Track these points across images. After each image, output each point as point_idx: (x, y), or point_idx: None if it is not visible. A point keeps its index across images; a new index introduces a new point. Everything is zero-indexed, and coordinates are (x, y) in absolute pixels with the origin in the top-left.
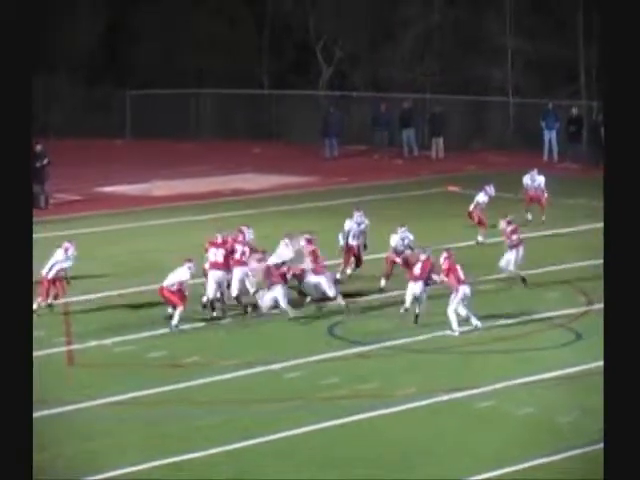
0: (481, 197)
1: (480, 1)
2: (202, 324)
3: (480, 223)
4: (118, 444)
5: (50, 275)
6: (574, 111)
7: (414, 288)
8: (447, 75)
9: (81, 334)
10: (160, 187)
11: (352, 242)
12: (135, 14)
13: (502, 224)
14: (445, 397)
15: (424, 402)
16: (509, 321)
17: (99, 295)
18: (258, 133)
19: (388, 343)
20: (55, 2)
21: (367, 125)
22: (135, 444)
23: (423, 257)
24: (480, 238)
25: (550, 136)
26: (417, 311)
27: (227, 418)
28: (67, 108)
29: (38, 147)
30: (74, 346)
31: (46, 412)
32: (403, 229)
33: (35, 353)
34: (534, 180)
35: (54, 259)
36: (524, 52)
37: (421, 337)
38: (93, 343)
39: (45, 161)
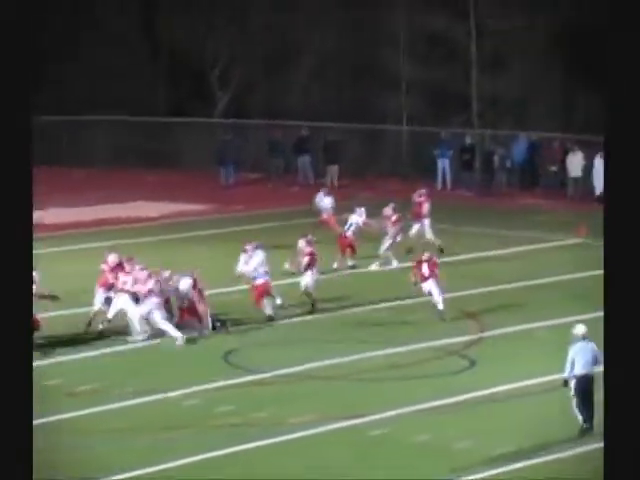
0: (354, 218)
1: (375, 29)
2: (99, 351)
3: (351, 246)
4: None
5: None
6: (467, 139)
7: (427, 287)
8: (342, 103)
9: None
10: (51, 215)
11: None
12: (38, 37)
13: (386, 210)
14: (338, 425)
15: (318, 430)
16: (402, 349)
17: None
18: (152, 161)
19: (284, 370)
20: None
21: (263, 152)
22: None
23: (426, 257)
24: (350, 262)
25: (444, 164)
26: (440, 308)
27: (120, 446)
28: None
29: None
30: None
31: None
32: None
33: None
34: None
35: None
36: (417, 81)
37: (316, 364)
38: None
39: None
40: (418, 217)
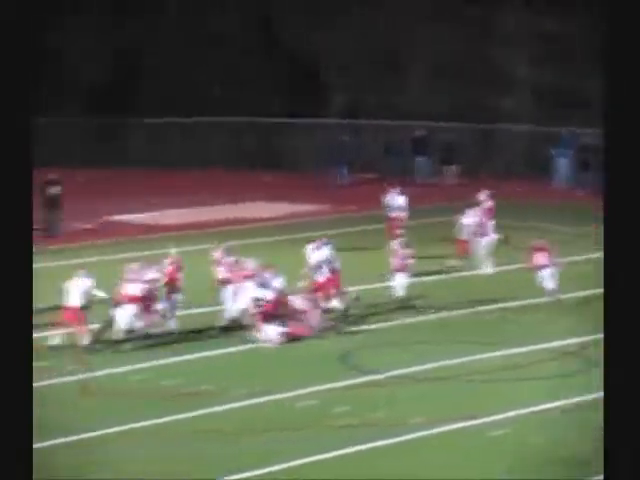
0: (466, 219)
1: (490, 28)
2: (218, 351)
3: (464, 248)
4: (134, 471)
5: (79, 304)
6: (585, 139)
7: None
8: (459, 103)
9: (94, 363)
10: (168, 216)
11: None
12: (143, 43)
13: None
14: (454, 425)
15: (433, 430)
16: (514, 350)
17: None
18: (269, 162)
19: (397, 372)
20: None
21: (379, 153)
22: (152, 473)
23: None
24: (454, 263)
25: (561, 163)
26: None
27: (235, 447)
28: (78, 138)
29: (52, 176)
30: (88, 375)
31: (57, 441)
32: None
33: (46, 382)
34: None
35: (80, 287)
36: (534, 81)
37: (428, 365)
38: (106, 371)
39: (59, 189)
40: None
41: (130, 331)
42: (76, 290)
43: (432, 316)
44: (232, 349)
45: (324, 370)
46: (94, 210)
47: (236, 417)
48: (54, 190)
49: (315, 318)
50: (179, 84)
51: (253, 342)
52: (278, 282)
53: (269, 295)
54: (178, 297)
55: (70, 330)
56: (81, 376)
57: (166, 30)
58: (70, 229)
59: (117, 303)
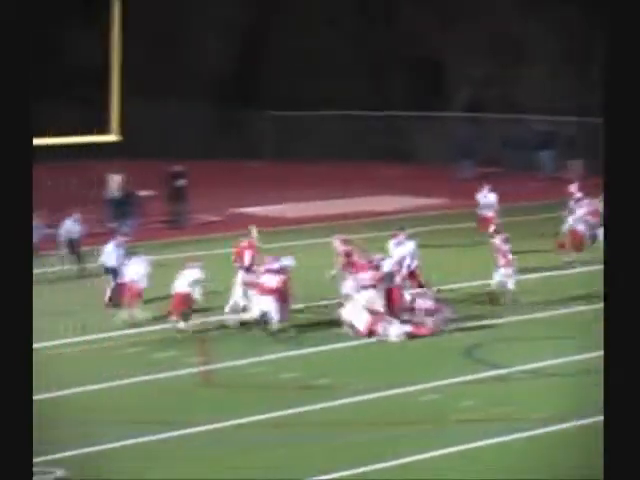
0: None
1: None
2: (336, 345)
3: (579, 243)
4: (255, 465)
5: (185, 290)
6: None
7: None
8: (582, 97)
9: (216, 354)
10: (294, 209)
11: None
12: (270, 36)
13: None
14: (579, 422)
15: (561, 426)
16: None
17: (236, 316)
18: (393, 155)
19: (524, 367)
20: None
21: (502, 147)
22: (272, 465)
23: None
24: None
25: None
26: None
27: (361, 440)
28: (204, 130)
29: (177, 167)
30: (210, 366)
31: (175, 433)
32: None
33: (168, 374)
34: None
35: (190, 276)
36: None
37: (556, 361)
38: (228, 364)
39: (184, 182)
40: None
41: (263, 321)
42: (186, 278)
43: (554, 312)
44: (353, 343)
45: (447, 364)
46: (220, 202)
47: (356, 411)
48: (180, 182)
49: (438, 318)
50: (306, 77)
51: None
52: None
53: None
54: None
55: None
56: (202, 367)
57: (293, 23)
58: (196, 221)
59: (254, 293)
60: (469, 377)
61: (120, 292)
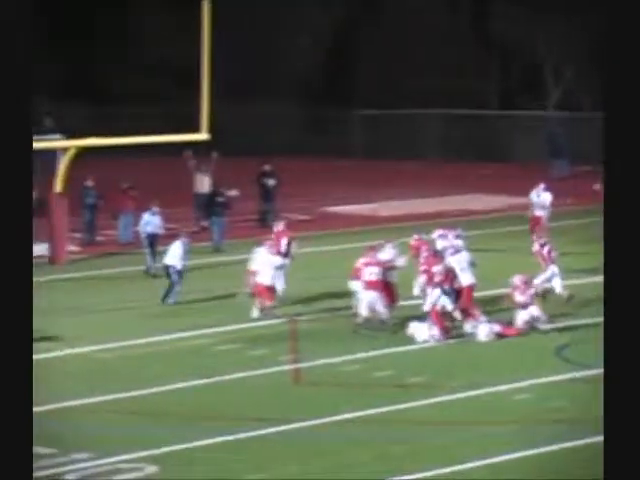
0: None
1: None
2: (429, 344)
3: None
4: (345, 463)
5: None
6: None
7: None
8: None
9: (308, 352)
10: (386, 207)
11: None
12: (358, 35)
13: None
14: None
15: None
16: None
17: (325, 314)
18: (484, 153)
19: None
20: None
21: (597, 145)
22: (362, 463)
23: None
24: None
25: None
26: None
27: (455, 439)
28: (296, 129)
29: (267, 167)
30: (301, 364)
31: (267, 430)
32: None
33: (258, 371)
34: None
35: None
36: None
37: None
38: (320, 362)
39: (274, 181)
40: None
41: (370, 319)
42: (268, 268)
43: None
44: (443, 342)
45: (540, 363)
46: (310, 201)
47: (449, 410)
48: (270, 181)
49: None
50: (396, 76)
51: (464, 336)
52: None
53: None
54: None
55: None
56: (295, 365)
57: (384, 21)
58: (286, 220)
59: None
60: (560, 377)
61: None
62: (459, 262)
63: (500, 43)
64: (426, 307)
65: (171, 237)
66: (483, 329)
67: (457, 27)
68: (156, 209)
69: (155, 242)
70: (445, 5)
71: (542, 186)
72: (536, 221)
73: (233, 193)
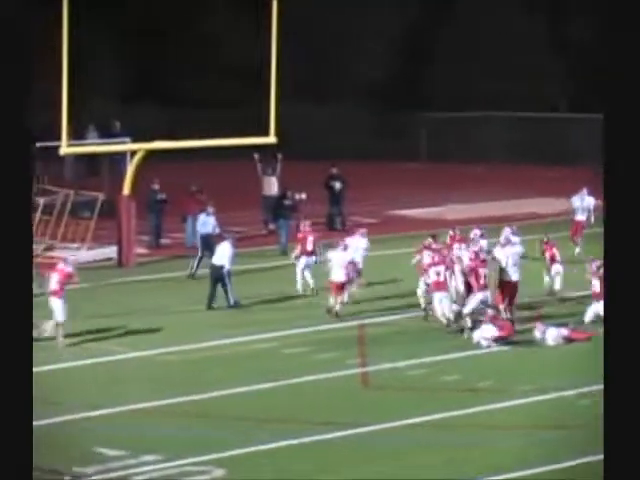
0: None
1: None
2: (497, 348)
3: None
4: (414, 465)
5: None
6: None
7: None
8: None
9: (375, 355)
10: (452, 211)
11: None
12: (426, 39)
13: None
14: None
15: None
16: None
17: (392, 318)
18: (553, 156)
19: None
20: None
21: None
22: (432, 467)
23: None
24: None
25: None
26: None
27: (522, 443)
28: (361, 132)
29: (334, 170)
30: (368, 368)
31: (335, 434)
32: None
33: (325, 375)
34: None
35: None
36: None
37: None
38: (387, 365)
39: (341, 184)
40: None
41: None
42: (341, 265)
43: None
44: (509, 347)
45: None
46: (377, 205)
47: (518, 414)
48: (337, 185)
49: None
50: (463, 78)
51: (532, 341)
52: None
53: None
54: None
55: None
56: (363, 369)
57: (451, 25)
58: (353, 223)
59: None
60: None
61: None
62: (512, 256)
63: (564, 46)
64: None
65: (240, 240)
66: (551, 333)
67: (530, 29)
68: (211, 210)
69: (210, 243)
70: (518, 7)
71: (585, 190)
72: (578, 226)
73: (301, 196)
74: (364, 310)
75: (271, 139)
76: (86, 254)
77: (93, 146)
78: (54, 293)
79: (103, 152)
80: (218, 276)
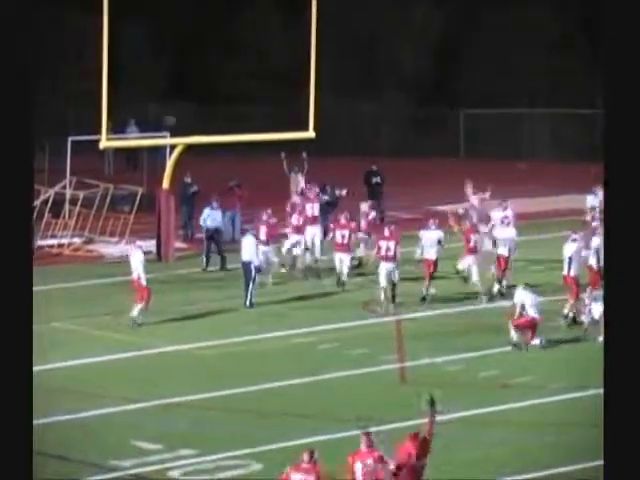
0: None
1: None
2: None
3: None
4: (451, 463)
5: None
6: None
7: None
8: None
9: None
10: (491, 206)
11: None
12: (465, 34)
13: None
14: None
15: None
16: None
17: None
18: (593, 153)
19: None
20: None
21: None
22: (468, 464)
23: None
24: None
25: None
26: None
27: (554, 440)
28: (399, 128)
29: (374, 167)
30: (406, 364)
31: (373, 429)
32: None
33: (362, 370)
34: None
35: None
36: None
37: None
38: (424, 361)
39: (380, 179)
40: None
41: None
42: (429, 242)
43: None
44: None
45: None
46: (416, 200)
47: (557, 410)
48: (376, 180)
49: None
50: (502, 75)
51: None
52: None
53: None
54: None
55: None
56: (399, 364)
57: (489, 21)
58: (392, 219)
59: None
60: None
61: None
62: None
63: (608, 47)
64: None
65: (273, 236)
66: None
67: (565, 26)
68: (216, 204)
69: (217, 237)
70: (549, 7)
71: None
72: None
73: (342, 192)
74: (402, 305)
75: (310, 134)
76: (123, 248)
77: (132, 140)
78: None
79: (142, 146)
80: (246, 271)
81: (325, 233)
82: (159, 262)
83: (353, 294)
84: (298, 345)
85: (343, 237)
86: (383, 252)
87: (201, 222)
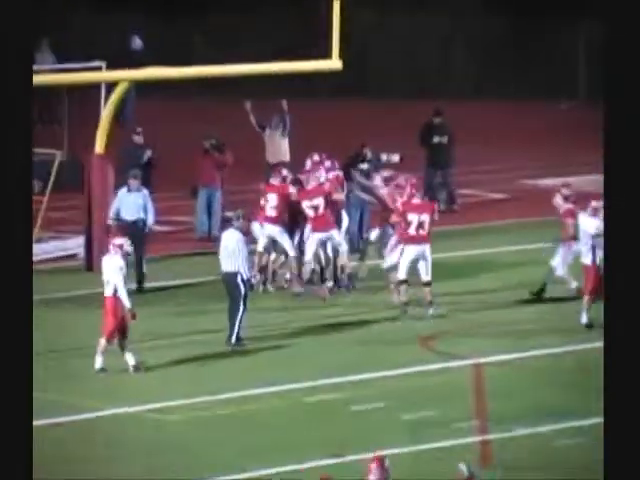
0: None
1: None
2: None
3: None
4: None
5: None
6: None
7: None
8: None
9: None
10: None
11: None
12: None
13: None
14: None
15: None
16: None
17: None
18: None
19: None
20: None
21: None
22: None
23: None
24: None
25: None
26: None
27: None
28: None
29: (436, 119)
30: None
31: None
32: None
33: (424, 445)
34: None
35: None
36: None
37: None
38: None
39: (445, 139)
40: None
41: None
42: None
43: None
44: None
45: None
46: (504, 171)
47: None
48: (440, 140)
49: None
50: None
51: None
52: None
53: None
54: None
55: None
56: (480, 436)
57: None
58: (465, 199)
59: None
60: None
61: None
62: None
63: None
64: None
65: None
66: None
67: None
68: (136, 182)
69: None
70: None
71: None
72: None
73: (392, 157)
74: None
75: (335, 63)
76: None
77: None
78: None
79: (63, 83)
80: (230, 288)
81: (360, 227)
82: (88, 272)
83: (408, 323)
84: (317, 405)
85: (421, 224)
86: (413, 230)
87: (111, 213)
